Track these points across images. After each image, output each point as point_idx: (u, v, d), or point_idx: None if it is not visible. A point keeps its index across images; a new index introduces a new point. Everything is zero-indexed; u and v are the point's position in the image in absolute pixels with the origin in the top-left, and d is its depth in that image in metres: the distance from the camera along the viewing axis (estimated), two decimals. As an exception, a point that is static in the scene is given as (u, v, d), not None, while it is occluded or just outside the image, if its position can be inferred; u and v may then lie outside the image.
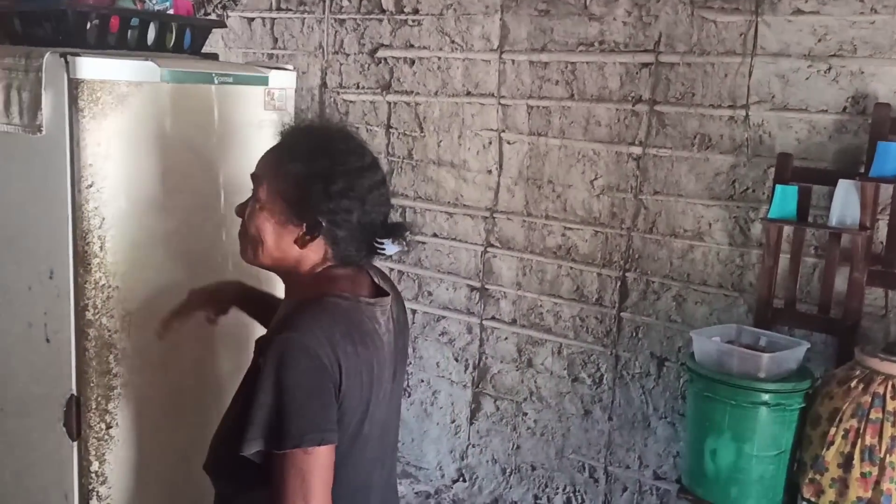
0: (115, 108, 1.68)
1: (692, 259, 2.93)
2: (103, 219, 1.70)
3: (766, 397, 2.34)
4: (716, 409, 2.41)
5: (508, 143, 3.31)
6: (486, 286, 3.44)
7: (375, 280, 1.51)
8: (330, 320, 1.35)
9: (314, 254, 1.43)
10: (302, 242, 1.41)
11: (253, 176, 1.46)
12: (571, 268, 3.21)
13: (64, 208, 1.69)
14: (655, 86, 2.93)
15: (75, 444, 1.75)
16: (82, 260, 1.69)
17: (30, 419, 1.84)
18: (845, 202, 2.47)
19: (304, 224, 1.40)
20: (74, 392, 1.74)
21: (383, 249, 1.44)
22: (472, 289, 3.48)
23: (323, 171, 1.39)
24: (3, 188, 1.84)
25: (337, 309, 1.38)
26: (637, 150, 2.99)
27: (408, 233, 1.48)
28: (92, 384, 1.72)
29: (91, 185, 1.68)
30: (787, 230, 2.64)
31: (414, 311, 3.65)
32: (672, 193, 2.94)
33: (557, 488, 3.34)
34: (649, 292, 3.04)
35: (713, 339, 2.49)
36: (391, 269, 3.70)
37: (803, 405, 2.36)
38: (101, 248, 1.70)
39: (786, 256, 2.67)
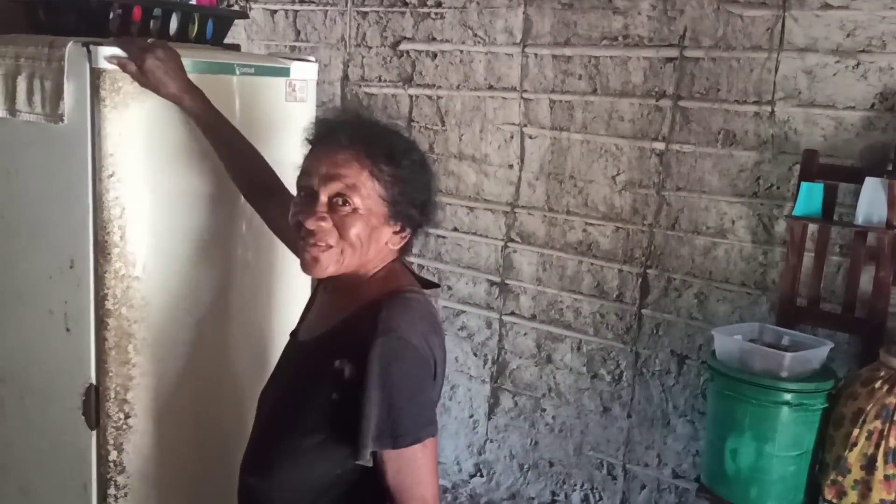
0: (137, 98, 1.68)
1: (714, 256, 2.90)
2: (124, 208, 1.70)
3: (788, 397, 2.31)
4: (737, 408, 2.38)
5: (530, 137, 3.29)
6: (506, 281, 3.42)
7: (413, 272, 1.53)
8: (418, 316, 1.38)
9: (390, 251, 1.45)
10: (394, 242, 1.44)
11: (346, 184, 1.37)
12: (592, 264, 3.18)
13: (85, 198, 1.69)
14: (680, 81, 2.90)
15: (94, 433, 1.76)
16: (102, 250, 1.70)
17: (50, 407, 1.85)
18: (872, 200, 2.43)
19: (400, 224, 1.43)
20: (94, 381, 1.74)
21: None
22: (492, 284, 3.46)
23: (415, 170, 1.43)
24: (25, 177, 1.84)
25: (418, 304, 1.40)
26: (660, 146, 2.96)
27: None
28: (111, 374, 1.73)
29: (112, 175, 1.68)
30: (812, 228, 2.61)
31: (433, 306, 3.64)
32: (695, 190, 2.91)
33: (575, 485, 3.32)
34: (671, 289, 3.01)
35: (735, 338, 2.46)
36: (411, 264, 3.69)
37: (826, 405, 2.33)
38: (121, 237, 1.70)
39: (810, 255, 2.63)
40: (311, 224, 1.38)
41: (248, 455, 1.48)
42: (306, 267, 1.42)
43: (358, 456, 1.30)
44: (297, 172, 1.45)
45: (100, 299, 1.71)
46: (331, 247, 1.38)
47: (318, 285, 1.59)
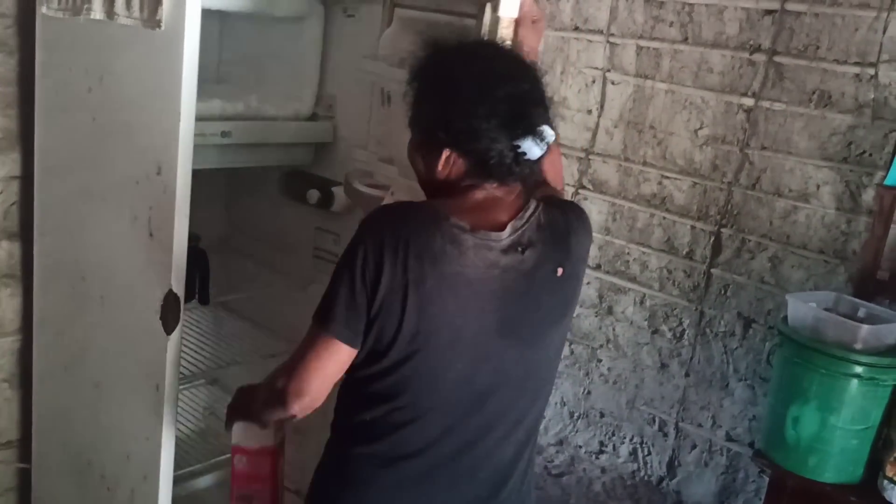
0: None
1: (794, 221, 2.81)
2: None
3: (859, 370, 2.25)
4: (804, 377, 2.33)
5: (613, 83, 3.21)
6: (574, 228, 3.38)
7: (522, 221, 1.44)
8: (394, 218, 1.41)
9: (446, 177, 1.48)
10: (440, 164, 1.47)
11: None
12: (665, 218, 3.12)
13: (176, 105, 1.70)
14: (777, 35, 2.78)
15: (170, 338, 1.80)
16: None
17: (128, 309, 1.90)
18: (972, 175, 2.33)
19: (428, 145, 1.49)
20: (173, 288, 1.78)
21: (523, 153, 1.40)
22: (559, 230, 3.43)
23: (425, 87, 1.50)
24: (118, 81, 1.86)
25: (411, 210, 1.42)
26: (749, 102, 2.86)
27: (543, 127, 1.40)
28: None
29: (206, 85, 1.68)
30: (903, 199, 2.51)
31: (497, 247, 3.62)
32: (781, 150, 2.82)
33: (624, 438, 3.32)
34: (744, 251, 2.94)
35: (810, 304, 2.40)
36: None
37: (898, 382, 2.27)
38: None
39: (896, 227, 2.54)
40: None
41: None
42: None
43: None
44: None
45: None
46: None
47: None
